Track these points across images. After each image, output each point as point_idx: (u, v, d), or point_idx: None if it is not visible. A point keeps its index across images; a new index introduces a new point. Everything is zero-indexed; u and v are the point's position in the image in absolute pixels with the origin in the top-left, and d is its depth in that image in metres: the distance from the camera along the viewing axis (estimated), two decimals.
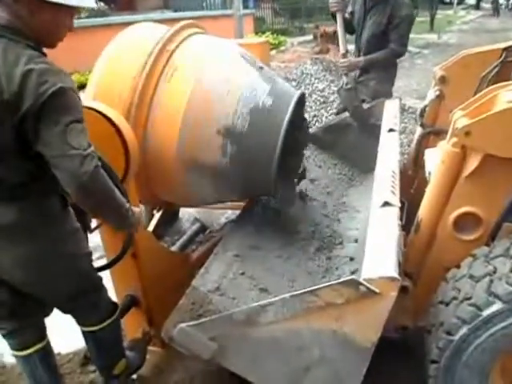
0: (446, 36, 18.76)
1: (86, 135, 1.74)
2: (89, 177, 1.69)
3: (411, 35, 4.51)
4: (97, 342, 2.28)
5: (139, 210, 2.16)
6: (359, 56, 4.19)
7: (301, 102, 2.76)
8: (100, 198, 1.78)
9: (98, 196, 1.77)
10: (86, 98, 2.49)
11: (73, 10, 1.81)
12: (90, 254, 2.14)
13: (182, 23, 2.68)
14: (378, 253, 1.83)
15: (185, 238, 3.50)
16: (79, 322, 2.22)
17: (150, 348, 2.62)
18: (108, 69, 2.52)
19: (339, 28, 3.81)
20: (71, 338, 2.25)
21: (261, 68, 2.68)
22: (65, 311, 2.19)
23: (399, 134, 3.31)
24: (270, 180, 2.53)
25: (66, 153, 1.67)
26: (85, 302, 2.14)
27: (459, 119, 2.11)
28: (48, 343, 2.20)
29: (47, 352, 2.19)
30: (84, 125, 1.75)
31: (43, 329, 2.20)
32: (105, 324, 2.21)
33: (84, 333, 2.26)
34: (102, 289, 2.22)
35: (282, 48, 14.77)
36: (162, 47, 2.49)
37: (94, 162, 1.73)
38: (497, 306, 1.85)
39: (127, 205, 1.92)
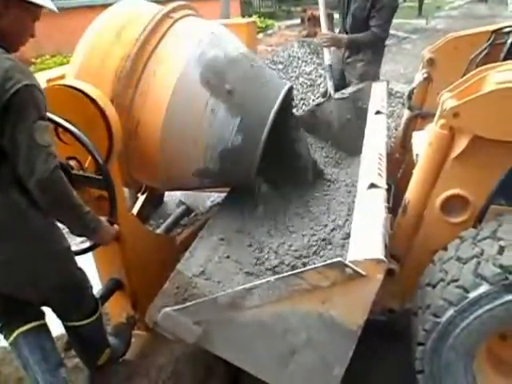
0: (434, 21, 18.69)
1: (49, 133, 1.77)
2: (49, 174, 1.71)
3: (399, 20, 4.49)
4: (79, 337, 2.24)
5: (115, 229, 2.15)
6: None
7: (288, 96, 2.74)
8: (57, 197, 1.79)
9: (55, 194, 1.78)
10: (69, 78, 2.43)
11: (36, 12, 1.83)
12: (69, 248, 2.07)
13: (173, 5, 2.60)
14: (364, 235, 1.81)
15: (170, 220, 3.46)
16: (59, 317, 2.18)
17: (135, 332, 2.59)
18: (94, 46, 2.44)
19: (321, 7, 3.85)
20: (53, 322, 2.20)
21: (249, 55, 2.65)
22: (46, 306, 2.14)
23: (386, 117, 3.29)
24: (252, 172, 2.54)
25: (32, 148, 1.69)
26: (66, 300, 2.09)
27: (447, 100, 2.08)
28: (38, 326, 2.12)
29: (35, 334, 2.12)
30: (48, 123, 1.78)
31: (30, 312, 2.14)
32: (87, 321, 2.17)
33: (66, 327, 2.22)
34: (85, 287, 2.16)
35: (269, 32, 14.66)
36: (151, 30, 2.41)
37: (55, 160, 1.75)
38: (484, 287, 1.85)
39: (87, 209, 1.91)
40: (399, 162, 3.43)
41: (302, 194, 2.89)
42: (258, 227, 2.62)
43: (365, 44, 4.04)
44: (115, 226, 2.17)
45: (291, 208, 2.77)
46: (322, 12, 3.91)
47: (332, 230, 2.53)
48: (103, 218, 2.09)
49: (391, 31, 4.64)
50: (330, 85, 3.78)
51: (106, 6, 2.66)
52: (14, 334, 2.08)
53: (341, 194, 2.91)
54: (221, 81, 2.44)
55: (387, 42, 4.28)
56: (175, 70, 2.39)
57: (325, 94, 4.44)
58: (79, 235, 2.14)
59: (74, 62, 2.48)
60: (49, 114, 1.87)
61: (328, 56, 3.92)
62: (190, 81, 2.39)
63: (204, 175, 2.56)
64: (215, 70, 2.45)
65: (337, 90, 3.91)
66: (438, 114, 2.15)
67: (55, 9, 1.85)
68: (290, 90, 2.76)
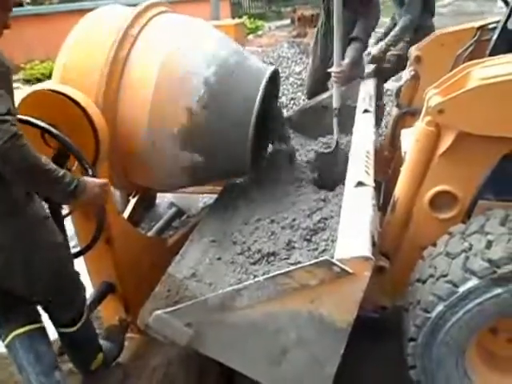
0: None
1: (4, 102, 1.67)
2: (4, 143, 1.61)
3: (389, 19, 4.50)
4: (72, 343, 2.25)
5: (102, 180, 2.05)
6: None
7: (273, 77, 2.75)
8: (21, 165, 1.69)
9: (18, 163, 1.68)
10: (53, 82, 2.45)
11: (4, 2, 1.78)
12: (64, 244, 2.08)
13: (146, 4, 2.65)
14: (351, 233, 1.82)
15: (161, 222, 3.47)
16: (54, 321, 2.18)
17: (128, 335, 2.59)
18: (74, 53, 2.48)
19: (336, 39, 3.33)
20: (49, 326, 2.21)
21: (230, 44, 2.66)
22: (41, 305, 2.14)
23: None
24: (244, 160, 2.53)
25: None
26: (61, 297, 2.09)
27: (432, 97, 2.10)
28: (34, 329, 2.10)
29: (30, 337, 2.10)
30: (2, 92, 1.67)
31: (27, 315, 2.13)
32: (79, 325, 2.17)
33: (60, 334, 2.22)
34: (79, 285, 2.16)
35: (260, 32, 14.64)
36: (126, 29, 2.45)
37: (11, 129, 1.64)
38: (472, 282, 1.86)
39: (61, 171, 1.81)
40: (389, 159, 3.45)
41: (294, 201, 2.78)
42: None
43: (360, 55, 3.92)
44: (103, 179, 2.08)
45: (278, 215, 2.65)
46: (336, 42, 3.32)
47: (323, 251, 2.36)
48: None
49: (381, 30, 4.66)
50: (337, 131, 3.26)
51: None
52: (10, 337, 2.08)
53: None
54: (202, 71, 2.47)
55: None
56: (152, 70, 2.42)
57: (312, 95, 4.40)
58: (66, 202, 2.05)
59: (58, 67, 2.51)
60: (30, 119, 1.87)
61: (338, 98, 3.34)
62: (169, 79, 2.43)
63: (196, 168, 2.58)
64: (194, 62, 2.48)
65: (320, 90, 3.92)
66: (423, 111, 2.16)
67: None
68: (275, 73, 2.80)
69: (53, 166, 1.79)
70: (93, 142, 2.13)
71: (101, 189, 2.02)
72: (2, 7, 1.79)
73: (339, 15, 3.18)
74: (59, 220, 2.16)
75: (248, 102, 2.53)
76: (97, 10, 2.67)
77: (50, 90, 2.10)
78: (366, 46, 4.00)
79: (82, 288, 2.18)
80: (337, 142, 3.17)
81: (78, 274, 2.16)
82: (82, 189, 1.89)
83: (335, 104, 3.28)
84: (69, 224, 2.39)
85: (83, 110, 2.10)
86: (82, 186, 1.89)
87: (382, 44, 4.07)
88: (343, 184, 2.37)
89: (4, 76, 1.72)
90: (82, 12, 2.75)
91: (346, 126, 3.22)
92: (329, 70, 3.52)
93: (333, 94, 3.32)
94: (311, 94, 4.40)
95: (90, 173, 2.07)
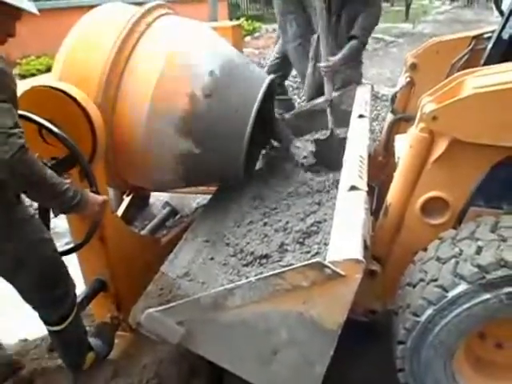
0: (420, 26, 18.85)
1: (11, 115, 1.69)
2: (12, 155, 1.63)
3: (386, 24, 4.53)
4: (63, 341, 2.26)
5: (103, 198, 2.10)
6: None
7: (270, 88, 2.77)
8: (28, 179, 1.73)
9: (25, 176, 1.71)
10: (52, 80, 2.45)
11: (14, 13, 1.79)
12: (51, 240, 2.09)
13: (149, 5, 2.66)
14: (344, 235, 1.84)
15: (155, 222, 3.47)
16: (43, 319, 2.18)
17: (119, 333, 2.60)
18: (75, 50, 2.48)
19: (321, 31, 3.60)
20: (38, 323, 2.21)
21: (230, 51, 2.68)
22: (30, 303, 2.14)
23: (372, 121, 3.33)
24: (239, 165, 2.54)
25: None
26: (50, 294, 2.09)
27: (427, 104, 2.12)
28: None
29: None
30: (10, 106, 1.70)
31: None
32: (67, 322, 2.17)
33: (50, 332, 2.23)
34: (69, 283, 2.17)
35: (257, 34, 14.67)
36: (129, 31, 2.46)
37: (19, 142, 1.66)
38: (462, 286, 1.88)
39: (66, 185, 1.84)
40: (383, 164, 3.47)
41: (289, 203, 2.81)
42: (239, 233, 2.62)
43: (354, 55, 3.93)
44: (103, 196, 2.12)
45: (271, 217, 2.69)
46: (322, 36, 3.60)
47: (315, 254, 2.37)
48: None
49: (378, 35, 4.67)
50: (331, 120, 3.53)
51: (92, 6, 2.70)
52: None
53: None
54: (201, 76, 2.49)
55: (375, 46, 4.28)
56: (154, 70, 2.44)
57: (310, 99, 4.42)
58: (63, 213, 2.08)
59: (56, 67, 2.51)
60: (29, 114, 1.88)
61: (330, 89, 3.69)
62: (169, 79, 2.44)
63: (191, 172, 2.59)
64: (194, 67, 2.50)
65: (319, 95, 3.94)
66: (417, 117, 2.18)
67: (35, 11, 1.81)
68: (272, 83, 2.83)
69: (57, 179, 1.82)
70: (90, 139, 2.14)
71: (100, 207, 2.05)
72: (12, 16, 1.80)
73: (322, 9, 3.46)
74: (47, 218, 2.18)
75: (246, 106, 2.57)
76: (100, 8, 2.66)
77: (49, 86, 2.10)
78: (364, 45, 3.98)
79: (71, 286, 2.19)
80: (331, 130, 3.44)
81: (67, 271, 2.16)
82: (83, 204, 1.94)
83: (327, 95, 3.66)
84: (63, 221, 2.40)
85: (82, 107, 2.11)
86: (84, 202, 1.94)
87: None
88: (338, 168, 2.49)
89: (10, 89, 1.74)
90: (80, 9, 2.75)
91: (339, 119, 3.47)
92: (318, 65, 3.78)
93: (325, 87, 3.67)
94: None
95: (94, 189, 2.11)
